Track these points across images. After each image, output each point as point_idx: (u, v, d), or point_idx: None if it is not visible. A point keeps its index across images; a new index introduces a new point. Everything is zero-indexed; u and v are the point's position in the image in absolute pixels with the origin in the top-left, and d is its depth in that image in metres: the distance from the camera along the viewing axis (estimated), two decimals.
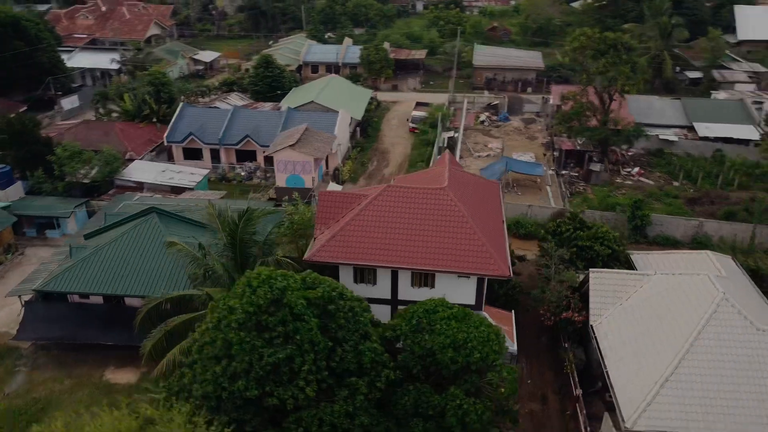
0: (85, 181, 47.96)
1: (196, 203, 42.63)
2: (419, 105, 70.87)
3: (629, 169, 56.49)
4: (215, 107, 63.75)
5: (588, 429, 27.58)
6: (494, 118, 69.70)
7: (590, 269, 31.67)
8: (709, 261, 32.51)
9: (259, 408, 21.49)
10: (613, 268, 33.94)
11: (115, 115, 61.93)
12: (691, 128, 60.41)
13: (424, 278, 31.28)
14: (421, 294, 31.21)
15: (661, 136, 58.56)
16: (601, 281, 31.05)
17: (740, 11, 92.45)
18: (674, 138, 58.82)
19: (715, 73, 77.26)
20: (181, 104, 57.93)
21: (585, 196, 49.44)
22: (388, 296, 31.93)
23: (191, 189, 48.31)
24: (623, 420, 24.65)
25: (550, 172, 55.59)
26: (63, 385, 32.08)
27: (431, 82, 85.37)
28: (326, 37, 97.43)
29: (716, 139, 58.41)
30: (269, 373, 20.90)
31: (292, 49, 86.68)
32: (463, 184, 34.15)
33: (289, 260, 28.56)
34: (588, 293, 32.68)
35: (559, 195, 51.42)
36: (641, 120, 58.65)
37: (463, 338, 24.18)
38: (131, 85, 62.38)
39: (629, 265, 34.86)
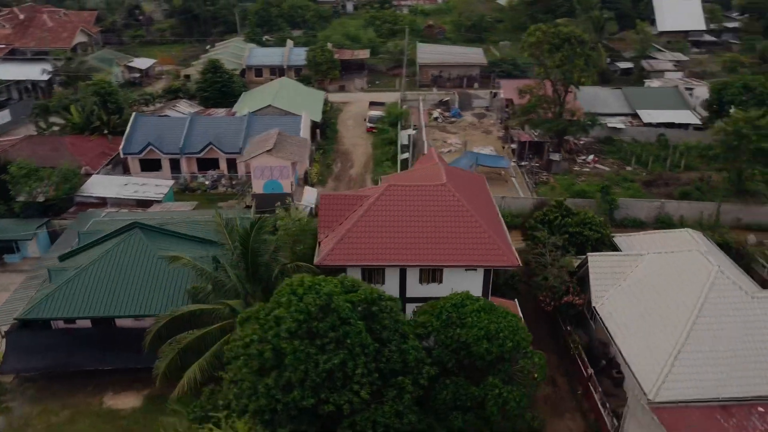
0: (40, 200, 45.01)
1: (172, 216, 41.12)
2: (373, 104, 71.05)
3: (584, 157, 59.18)
4: (165, 116, 61.40)
5: (607, 405, 28.82)
6: (447, 114, 71.00)
7: (588, 253, 33.10)
8: (690, 238, 34.77)
9: (312, 416, 21.18)
10: (602, 251, 35.58)
11: (56, 128, 58.50)
12: (635, 115, 64.01)
13: (431, 274, 31.61)
14: (429, 290, 31.66)
15: (609, 125, 61.64)
16: (599, 264, 32.51)
17: (658, 4, 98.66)
18: (621, 126, 62.15)
19: (644, 63, 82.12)
20: (133, 114, 55.42)
21: (552, 185, 51.35)
22: (397, 294, 31.92)
23: (159, 201, 46.40)
24: (645, 394, 25.97)
25: (512, 163, 57.32)
26: (60, 417, 30.18)
27: (377, 82, 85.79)
28: (264, 39, 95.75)
29: (659, 125, 62.19)
30: (324, 380, 20.63)
31: (233, 53, 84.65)
32: (458, 179, 34.76)
33: (308, 266, 28.11)
34: (583, 277, 34.25)
35: (525, 186, 53.16)
36: (589, 110, 61.41)
37: (495, 329, 24.78)
38: (75, 96, 58.98)
39: (614, 248, 36.66)
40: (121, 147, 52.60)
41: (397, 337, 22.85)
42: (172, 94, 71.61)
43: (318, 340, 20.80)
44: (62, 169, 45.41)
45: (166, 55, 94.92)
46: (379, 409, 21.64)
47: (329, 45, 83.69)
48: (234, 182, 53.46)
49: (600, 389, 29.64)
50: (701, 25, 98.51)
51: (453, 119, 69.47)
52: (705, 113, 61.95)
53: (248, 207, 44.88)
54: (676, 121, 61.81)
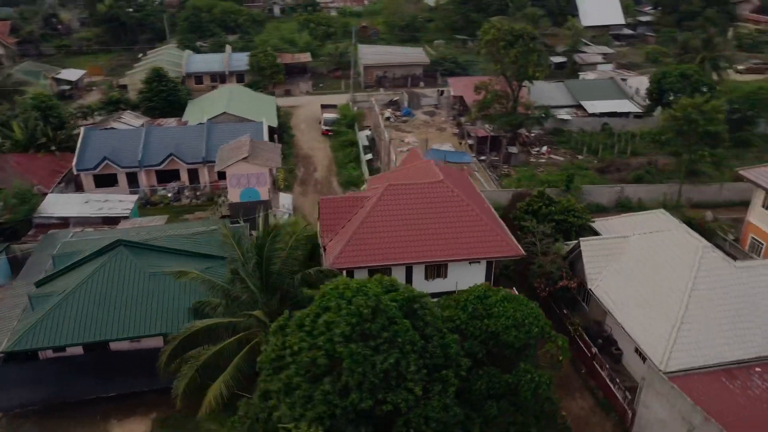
0: None
1: (149, 231, 39.44)
2: (325, 107, 70.76)
3: (538, 149, 61.57)
4: (112, 128, 58.57)
5: (617, 380, 30.34)
6: (398, 113, 71.76)
7: (581, 239, 34.65)
8: (666, 218, 37.15)
9: (369, 418, 21.15)
10: (585, 236, 37.30)
11: None
12: (579, 107, 67.20)
13: (437, 270, 32.16)
14: (435, 285, 32.23)
15: (557, 116, 64.41)
16: (590, 248, 34.13)
17: (580, 0, 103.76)
18: (568, 117, 65.12)
19: (576, 57, 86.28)
20: (83, 129, 52.59)
21: (518, 177, 53.13)
22: None
23: (127, 217, 44.34)
24: (656, 366, 27.60)
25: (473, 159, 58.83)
26: None
27: (320, 85, 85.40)
28: (198, 46, 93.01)
29: (602, 115, 65.63)
30: (381, 381, 20.66)
31: (169, 60, 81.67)
32: (449, 176, 35.46)
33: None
34: (572, 261, 35.84)
35: (489, 179, 54.71)
36: (537, 103, 63.97)
37: (521, 316, 25.60)
38: (12, 112, 55.18)
39: (594, 233, 38.53)
40: (74, 163, 49.77)
41: (436, 332, 23.17)
42: (112, 106, 68.23)
43: (371, 342, 20.80)
44: (17, 189, 42.49)
45: (94, 65, 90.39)
46: (429, 404, 21.89)
47: (268, 49, 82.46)
48: (198, 193, 51.86)
49: (607, 366, 31.16)
50: (620, 20, 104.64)
51: (405, 118, 70.30)
52: (643, 102, 66.00)
53: (224, 217, 43.68)
54: (618, 110, 65.41)
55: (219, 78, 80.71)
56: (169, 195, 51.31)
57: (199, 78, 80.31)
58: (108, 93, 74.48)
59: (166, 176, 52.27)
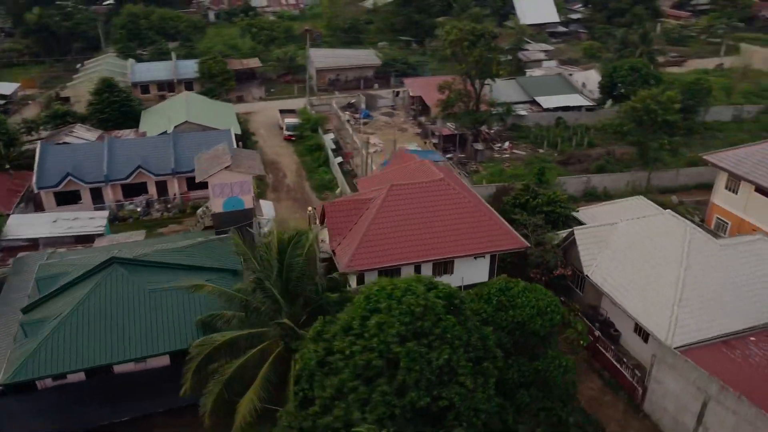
0: None
1: (132, 247, 37.90)
2: (284, 113, 69.97)
3: (499, 145, 63.34)
4: (65, 143, 55.69)
5: (624, 359, 31.82)
6: (357, 116, 71.89)
7: (574, 228, 36.07)
8: (645, 203, 39.25)
9: (424, 416, 21.36)
10: (573, 225, 38.86)
11: None
12: (533, 102, 69.58)
13: (444, 266, 32.68)
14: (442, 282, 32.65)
15: (515, 113, 66.39)
16: (584, 236, 35.60)
17: (517, 0, 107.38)
18: (524, 113, 67.28)
19: (521, 55, 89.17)
20: (40, 144, 49.78)
21: (489, 172, 54.46)
22: None
23: (101, 235, 42.40)
24: (662, 342, 29.19)
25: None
26: None
27: (272, 90, 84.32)
28: (138, 54, 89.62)
29: (555, 109, 68.24)
30: (436, 377, 20.93)
31: (110, 70, 78.28)
32: (444, 173, 36.04)
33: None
34: (565, 250, 37.25)
35: (460, 176, 55.72)
36: (500, 100, 65.81)
37: (543, 305, 26.51)
38: None
39: (579, 222, 40.16)
40: (33, 181, 47.03)
41: (474, 326, 23.65)
42: (59, 120, 64.74)
43: (424, 339, 21.03)
44: None
45: (26, 77, 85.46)
46: (476, 397, 22.33)
47: (218, 56, 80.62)
48: (169, 206, 50.19)
49: (612, 347, 32.62)
50: (555, 18, 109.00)
51: (365, 120, 70.50)
52: (591, 96, 69.13)
53: (208, 228, 42.49)
54: (570, 104, 68.20)
55: (167, 86, 78.21)
56: (138, 209, 49.38)
57: (145, 87, 77.48)
58: (49, 106, 70.67)
59: (133, 190, 50.25)
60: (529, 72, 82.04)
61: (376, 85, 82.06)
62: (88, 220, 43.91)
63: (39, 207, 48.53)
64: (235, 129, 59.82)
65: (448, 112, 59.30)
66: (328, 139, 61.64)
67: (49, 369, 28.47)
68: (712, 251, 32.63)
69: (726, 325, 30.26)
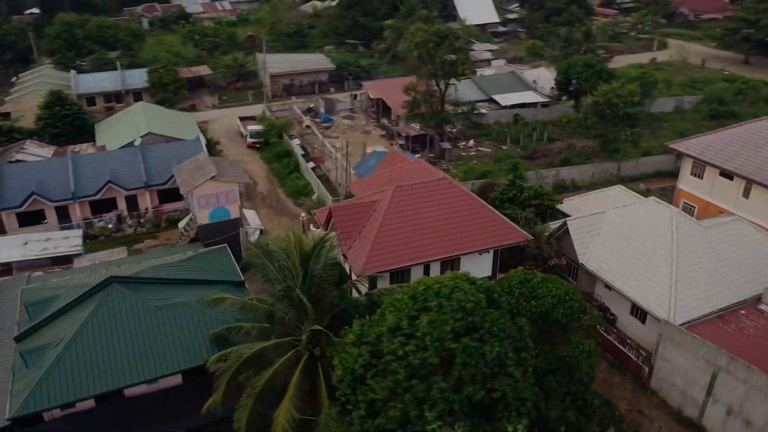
0: None
1: (119, 265, 36.40)
2: (244, 120, 68.74)
3: (464, 143, 64.65)
4: (18, 161, 52.58)
5: (628, 341, 33.34)
6: (317, 120, 71.53)
7: (567, 219, 37.42)
8: (624, 192, 41.22)
9: (479, 409, 21.74)
10: (558, 217, 40.34)
11: None
12: (491, 100, 71.39)
13: (451, 264, 33.18)
14: None
15: (479, 111, 67.95)
16: (576, 227, 37.03)
17: (458, 1, 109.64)
18: (484, 111, 68.92)
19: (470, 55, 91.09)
20: None
21: (465, 170, 55.48)
22: None
23: (79, 255, 40.44)
24: (668, 321, 30.82)
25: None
26: None
27: (224, 97, 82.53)
28: (78, 64, 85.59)
29: (512, 106, 70.29)
30: (490, 370, 21.37)
31: (51, 82, 74.40)
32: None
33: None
34: (557, 240, 38.59)
35: None
36: (465, 99, 67.15)
37: (562, 294, 27.45)
38: None
39: (564, 213, 41.67)
40: None
41: (511, 318, 24.27)
42: (2, 136, 60.96)
43: (475, 334, 21.41)
44: None
45: None
46: (521, 386, 22.93)
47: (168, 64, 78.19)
48: (142, 220, 48.33)
49: (615, 330, 34.11)
50: (495, 18, 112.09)
51: (326, 125, 70.24)
52: (544, 92, 71.69)
53: (194, 241, 41.31)
54: (526, 101, 70.45)
55: (114, 98, 75.20)
56: (110, 226, 47.30)
57: (91, 99, 74.07)
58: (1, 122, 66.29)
59: (101, 206, 48.05)
60: (479, 71, 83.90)
61: (332, 89, 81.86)
62: (61, 240, 41.77)
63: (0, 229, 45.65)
64: (202, 138, 58.39)
65: (415, 112, 59.97)
66: (296, 145, 61.04)
67: (58, 399, 27.04)
68: (698, 233, 34.73)
69: (718, 301, 32.29)
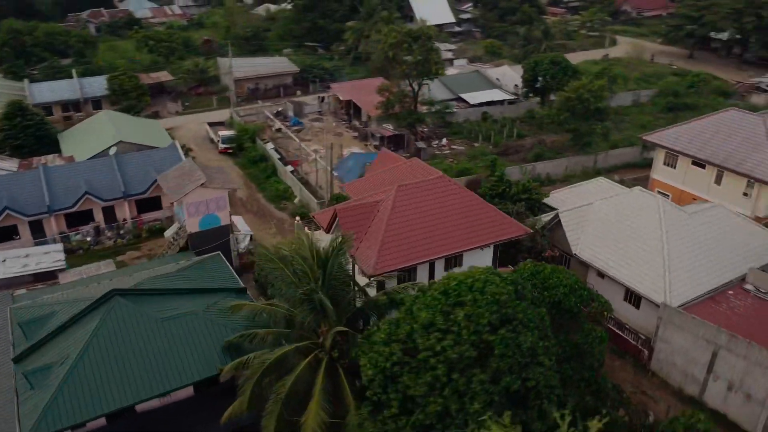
0: None
1: (111, 278, 35.30)
2: (212, 125, 67.54)
3: (437, 142, 65.44)
4: None
5: (626, 326, 34.58)
6: (287, 123, 70.95)
7: (559, 211, 38.48)
8: (607, 184, 42.72)
9: (514, 399, 22.24)
10: (546, 210, 41.46)
11: None
12: (459, 99, 72.48)
13: (455, 260, 33.68)
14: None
15: (451, 110, 68.88)
16: (568, 218, 38.14)
17: (414, 1, 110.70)
18: (455, 110, 69.91)
19: None
20: None
21: (444, 168, 56.03)
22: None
23: (63, 270, 38.94)
24: (664, 305, 32.19)
25: None
26: None
27: (186, 103, 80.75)
28: (28, 73, 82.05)
29: (480, 104, 71.61)
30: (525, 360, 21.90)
31: (7, 92, 71.11)
32: None
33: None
34: (548, 232, 39.64)
35: None
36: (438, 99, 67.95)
37: (573, 283, 28.34)
38: None
39: (550, 206, 42.83)
40: None
41: (534, 308, 24.90)
42: None
43: (509, 325, 21.90)
44: None
45: None
46: (549, 375, 23.58)
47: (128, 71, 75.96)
48: (122, 231, 46.89)
49: (612, 317, 35.28)
50: (451, 18, 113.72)
51: (296, 128, 69.76)
52: (509, 89, 73.33)
53: (183, 250, 40.37)
54: (494, 99, 71.89)
55: (72, 107, 72.56)
56: (88, 239, 45.68)
57: (48, 108, 71.08)
58: None
59: (77, 219, 46.35)
60: (446, 70, 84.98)
61: (298, 92, 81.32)
62: (42, 255, 40.11)
63: None
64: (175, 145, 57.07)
65: (389, 112, 60.33)
66: (271, 149, 60.44)
67: (70, 419, 26.02)
68: (683, 219, 36.38)
69: (707, 283, 33.93)
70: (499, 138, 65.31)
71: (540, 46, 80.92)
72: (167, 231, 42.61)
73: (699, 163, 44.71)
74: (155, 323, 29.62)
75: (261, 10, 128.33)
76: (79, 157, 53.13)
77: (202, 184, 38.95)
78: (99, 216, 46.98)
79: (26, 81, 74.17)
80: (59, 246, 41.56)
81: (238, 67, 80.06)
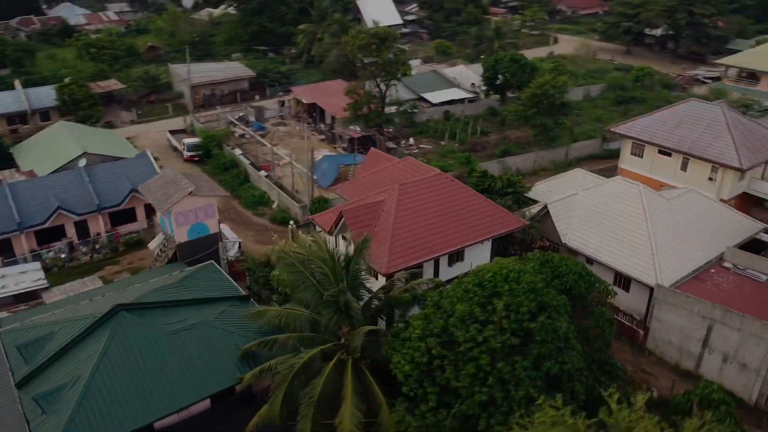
0: None
1: (103, 294, 33.98)
2: (174, 133, 65.72)
3: (404, 141, 66.09)
4: None
5: (620, 309, 36.15)
6: (250, 129, 69.89)
7: (547, 203, 39.77)
8: (584, 175, 44.49)
9: (551, 382, 23.01)
10: (530, 203, 42.75)
11: None
12: (420, 99, 73.41)
13: (457, 255, 34.31)
14: (456, 269, 34.41)
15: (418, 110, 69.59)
16: (556, 209, 39.51)
17: (362, 4, 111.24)
18: (417, 109, 70.71)
19: None
20: None
21: None
22: None
23: (47, 288, 37.13)
24: (658, 286, 33.88)
25: None
26: None
27: (139, 112, 78.10)
28: None
29: (441, 104, 72.80)
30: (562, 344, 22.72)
31: None
32: None
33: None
34: (537, 224, 40.91)
35: None
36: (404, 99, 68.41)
37: (580, 270, 29.51)
38: None
39: (533, 199, 44.14)
40: None
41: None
42: None
43: (545, 312, 22.66)
44: None
45: None
46: (578, 357, 24.55)
47: (66, 80, 72.60)
48: (98, 246, 45.03)
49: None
50: (398, 20, 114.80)
51: (261, 133, 68.81)
52: (467, 88, 74.93)
53: (172, 261, 39.20)
54: (454, 97, 73.24)
55: (18, 119, 68.92)
56: (63, 256, 43.62)
57: None
58: None
59: (48, 235, 44.17)
60: None
61: (257, 97, 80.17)
62: (19, 275, 38.09)
63: None
64: (133, 154, 55.29)
65: (359, 114, 60.50)
66: (240, 155, 59.44)
67: None
68: (663, 204, 38.41)
69: (691, 263, 35.98)
70: (464, 136, 66.64)
71: (492, 45, 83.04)
72: (151, 243, 41.26)
73: (665, 152, 47.22)
74: (165, 336, 28.81)
75: (203, 14, 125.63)
76: (41, 171, 50.66)
77: (191, 192, 38.01)
78: (71, 231, 44.95)
79: None
80: (36, 264, 39.57)
81: (195, 73, 78.07)
